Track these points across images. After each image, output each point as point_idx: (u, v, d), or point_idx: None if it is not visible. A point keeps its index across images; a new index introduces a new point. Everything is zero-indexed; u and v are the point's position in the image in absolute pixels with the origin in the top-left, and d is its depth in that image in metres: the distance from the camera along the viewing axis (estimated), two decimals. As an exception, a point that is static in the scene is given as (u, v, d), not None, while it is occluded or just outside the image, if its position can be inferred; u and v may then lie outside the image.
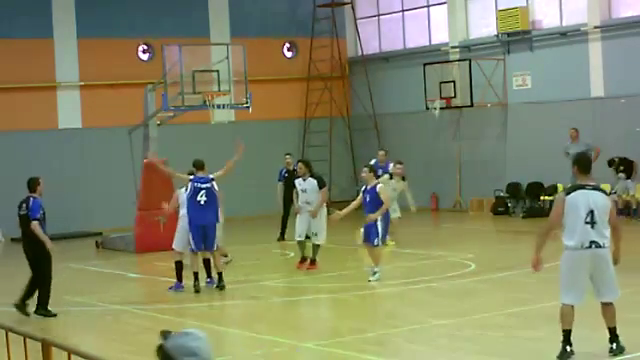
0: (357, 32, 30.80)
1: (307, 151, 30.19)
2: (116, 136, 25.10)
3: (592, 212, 9.51)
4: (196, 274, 15.54)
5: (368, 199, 15.54)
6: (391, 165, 20.43)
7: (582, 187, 9.70)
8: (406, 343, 11.58)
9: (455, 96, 26.87)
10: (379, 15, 30.82)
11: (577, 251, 9.55)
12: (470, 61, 26.77)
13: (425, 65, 27.37)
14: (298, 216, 17.37)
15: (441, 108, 27.05)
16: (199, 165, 15.75)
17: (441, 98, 26.96)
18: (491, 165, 26.74)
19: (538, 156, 25.24)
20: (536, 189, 25.31)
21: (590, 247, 9.51)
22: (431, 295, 14.46)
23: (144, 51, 28.36)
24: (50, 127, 26.86)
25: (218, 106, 21.89)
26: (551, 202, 20.63)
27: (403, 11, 29.96)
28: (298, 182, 17.41)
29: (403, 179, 20.16)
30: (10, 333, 7.32)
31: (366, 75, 30.17)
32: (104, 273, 17.75)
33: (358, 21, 30.83)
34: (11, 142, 26.12)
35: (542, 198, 24.99)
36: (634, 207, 23.21)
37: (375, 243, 15.54)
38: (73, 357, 6.88)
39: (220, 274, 15.57)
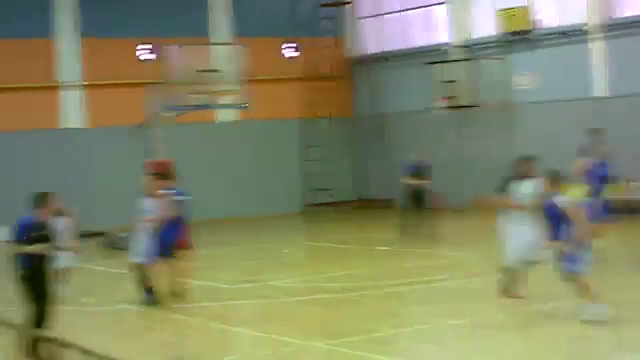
0: (358, 32, 30.80)
1: (307, 151, 30.22)
2: (117, 136, 25.09)
3: None
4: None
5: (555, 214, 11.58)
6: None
7: None
8: (413, 343, 11.60)
9: (457, 96, 26.89)
10: (380, 15, 30.85)
11: None
12: (472, 61, 26.79)
13: (427, 65, 27.39)
14: (517, 230, 13.29)
15: (443, 108, 27.08)
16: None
17: (443, 98, 26.99)
18: (494, 164, 26.69)
19: (541, 155, 25.21)
20: (538, 189, 25.31)
21: None
22: (435, 295, 14.48)
23: (145, 51, 28.35)
24: (51, 127, 26.87)
25: (218, 106, 21.93)
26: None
27: (404, 10, 30.00)
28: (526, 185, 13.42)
29: None
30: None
31: (367, 75, 30.16)
32: (110, 273, 17.74)
33: (359, 21, 30.84)
34: (12, 142, 26.13)
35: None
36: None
37: (579, 270, 11.47)
38: (77, 356, 6.90)
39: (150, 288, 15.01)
